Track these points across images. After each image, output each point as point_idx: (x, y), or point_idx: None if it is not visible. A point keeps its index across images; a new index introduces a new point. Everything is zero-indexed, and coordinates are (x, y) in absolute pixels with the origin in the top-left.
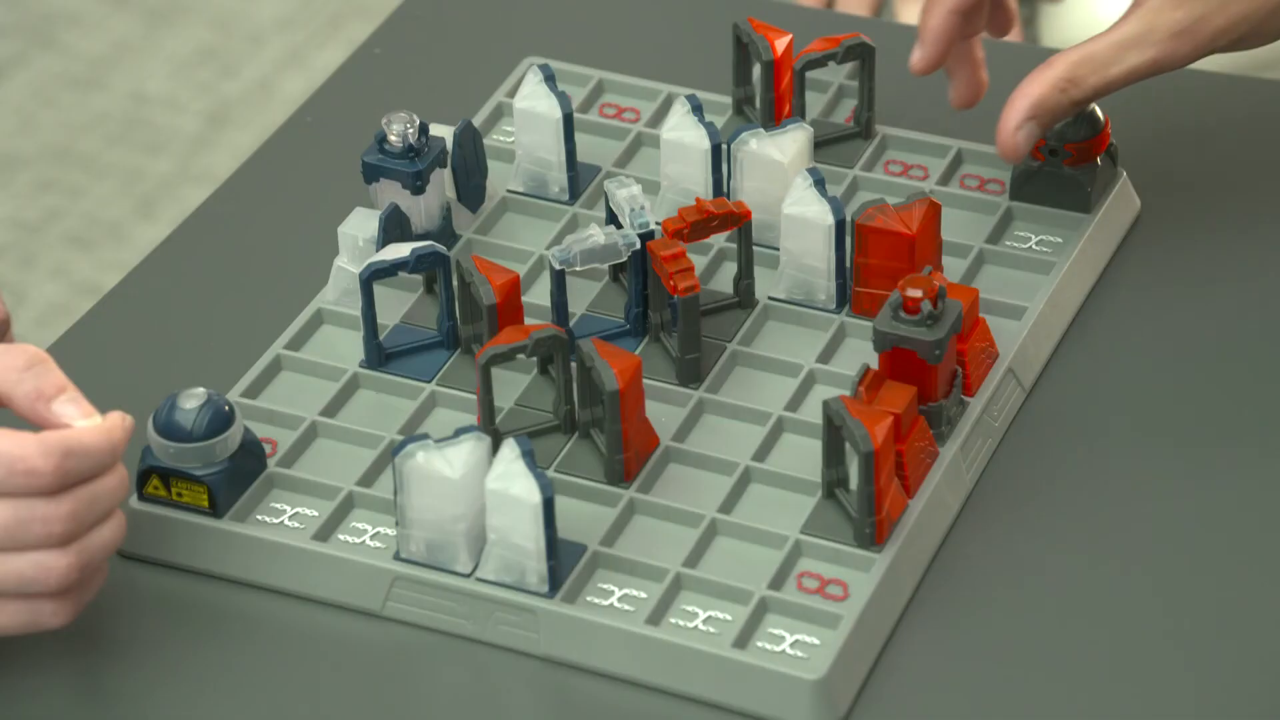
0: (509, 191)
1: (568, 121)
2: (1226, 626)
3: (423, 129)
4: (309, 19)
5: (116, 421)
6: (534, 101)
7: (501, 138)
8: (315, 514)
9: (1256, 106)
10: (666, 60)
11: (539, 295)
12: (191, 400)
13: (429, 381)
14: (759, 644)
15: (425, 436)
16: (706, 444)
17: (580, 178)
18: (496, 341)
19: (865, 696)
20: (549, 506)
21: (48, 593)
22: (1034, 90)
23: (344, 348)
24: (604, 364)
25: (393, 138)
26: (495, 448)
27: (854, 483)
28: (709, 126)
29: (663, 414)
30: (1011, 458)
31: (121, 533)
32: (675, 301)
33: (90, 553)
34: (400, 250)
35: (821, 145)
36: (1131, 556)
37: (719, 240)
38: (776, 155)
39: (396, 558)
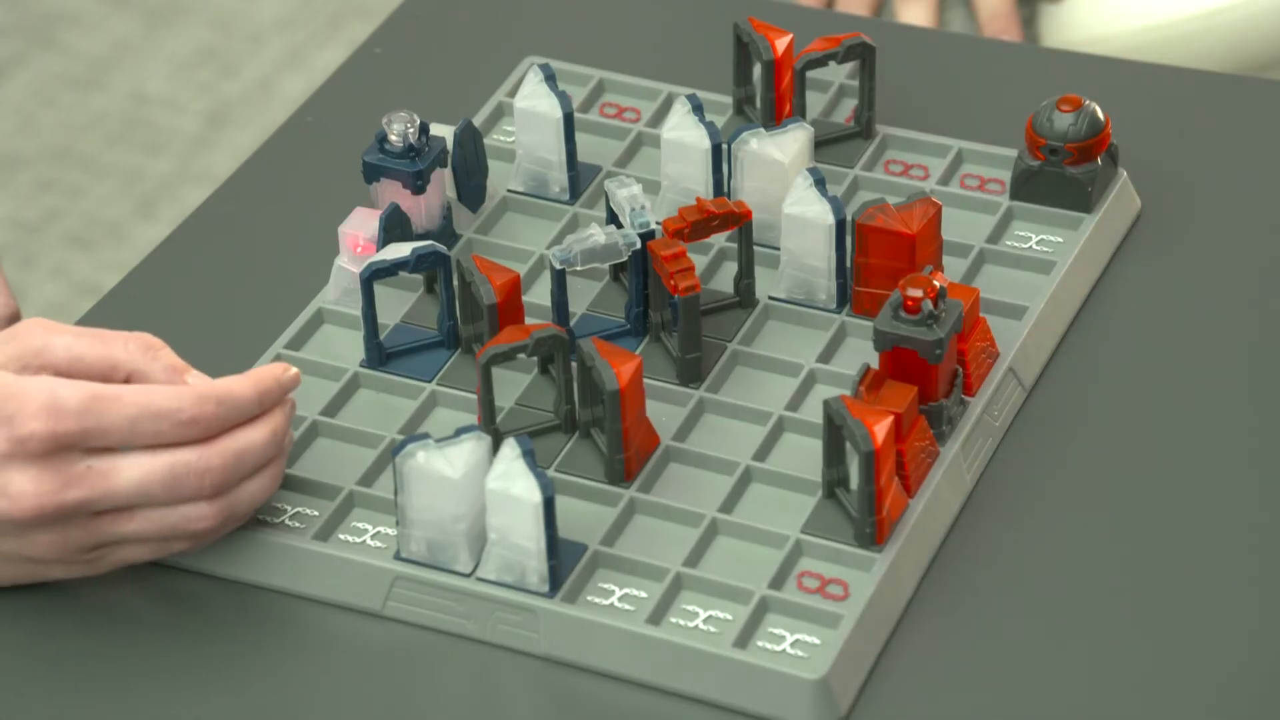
0: (509, 191)
1: (568, 121)
2: (1228, 625)
3: (423, 129)
4: (309, 19)
5: (266, 372)
6: (534, 101)
7: (502, 137)
8: (316, 514)
9: (1256, 106)
10: (667, 60)
11: (539, 295)
12: None
13: (429, 381)
14: (760, 644)
15: (426, 436)
16: (707, 443)
17: (581, 177)
18: (497, 341)
19: (866, 696)
20: (549, 506)
21: (188, 537)
22: None
23: (344, 347)
24: (604, 363)
25: (393, 137)
26: (496, 447)
27: (854, 482)
28: (709, 126)
29: (663, 413)
30: (1011, 458)
31: (271, 487)
32: (676, 301)
33: (234, 505)
34: (401, 250)
35: (822, 145)
36: (1132, 555)
37: (719, 240)
38: (777, 155)
39: (397, 557)
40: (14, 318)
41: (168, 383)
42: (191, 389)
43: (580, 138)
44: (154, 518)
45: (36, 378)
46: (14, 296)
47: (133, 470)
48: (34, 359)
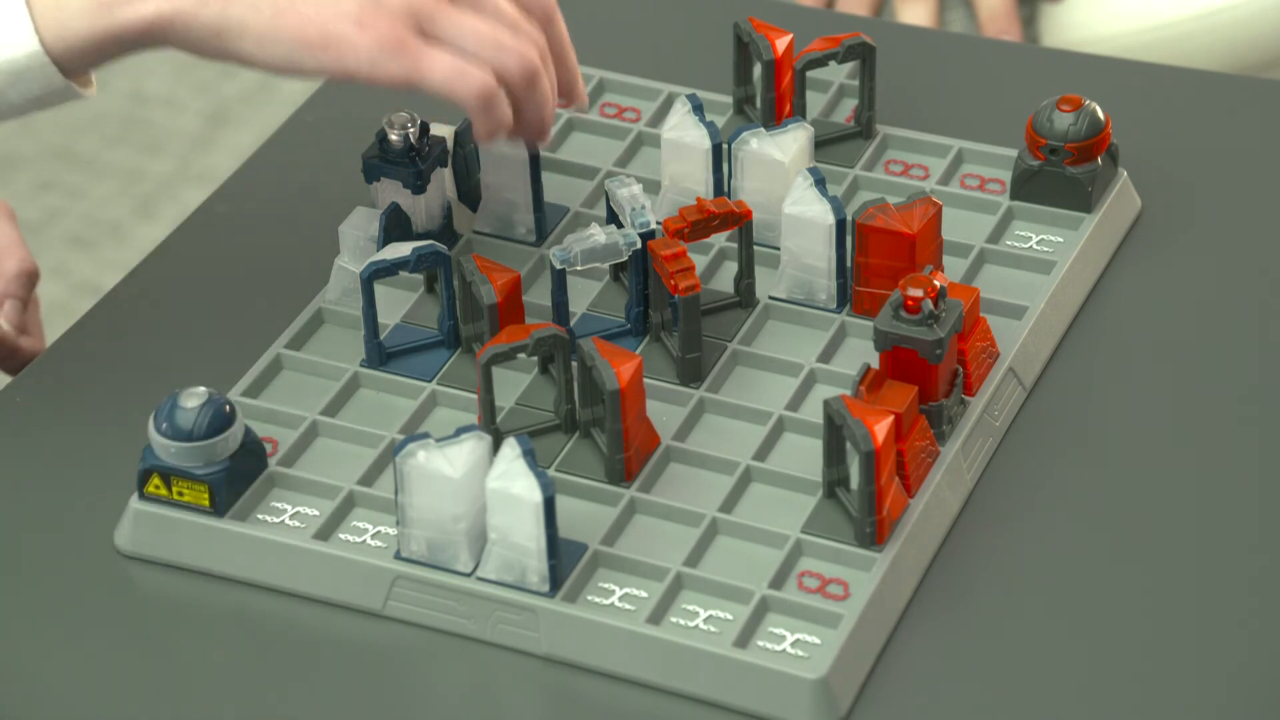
0: (475, 232)
1: (535, 161)
2: (1228, 624)
3: (423, 128)
4: None
5: None
6: None
7: None
8: (316, 513)
9: (1256, 106)
10: (667, 60)
11: (540, 295)
12: (192, 399)
13: (430, 381)
14: (760, 643)
15: (426, 436)
16: (707, 443)
17: (548, 219)
18: (497, 341)
19: (866, 696)
20: (550, 506)
21: None
22: None
23: (344, 347)
24: (605, 363)
25: (393, 137)
26: (496, 447)
27: (855, 482)
28: (710, 126)
29: (663, 413)
30: (1011, 458)
31: None
32: (676, 301)
33: None
34: (401, 249)
35: (822, 145)
36: (1132, 556)
37: (720, 240)
38: (777, 155)
39: (397, 557)
40: (32, 274)
41: None
42: None
43: (580, 138)
44: None
45: None
46: (30, 252)
47: None
48: None
